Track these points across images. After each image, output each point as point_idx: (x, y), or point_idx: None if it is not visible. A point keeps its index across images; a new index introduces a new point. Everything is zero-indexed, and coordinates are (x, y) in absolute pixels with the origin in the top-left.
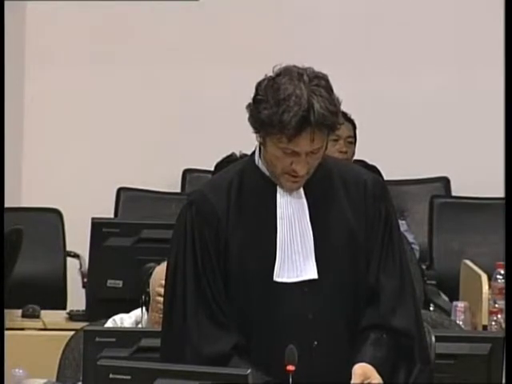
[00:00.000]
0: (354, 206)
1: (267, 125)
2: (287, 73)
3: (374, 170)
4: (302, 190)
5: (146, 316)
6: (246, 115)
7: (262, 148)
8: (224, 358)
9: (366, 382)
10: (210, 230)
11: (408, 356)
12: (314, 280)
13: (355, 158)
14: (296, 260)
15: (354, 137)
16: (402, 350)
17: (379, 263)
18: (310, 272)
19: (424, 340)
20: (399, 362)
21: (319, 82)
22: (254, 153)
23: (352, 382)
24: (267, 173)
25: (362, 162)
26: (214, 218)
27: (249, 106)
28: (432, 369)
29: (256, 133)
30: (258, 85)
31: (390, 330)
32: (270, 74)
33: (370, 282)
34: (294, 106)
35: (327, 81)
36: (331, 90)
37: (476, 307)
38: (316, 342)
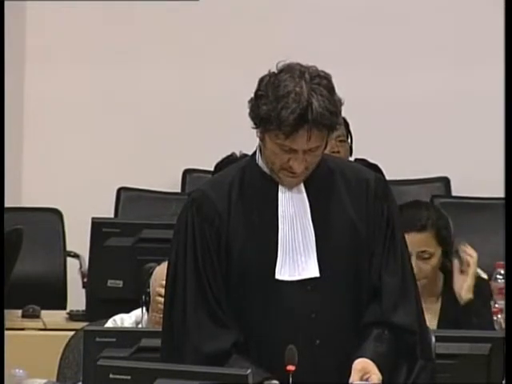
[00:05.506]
0: (356, 204)
1: (265, 120)
2: (289, 70)
3: (375, 168)
4: (303, 188)
5: (146, 316)
6: (247, 115)
7: (261, 146)
8: (224, 356)
9: (365, 376)
10: (210, 228)
11: (410, 352)
12: (316, 278)
13: (356, 157)
14: (298, 258)
15: (348, 135)
16: (404, 347)
17: (381, 261)
18: (312, 270)
19: (426, 337)
20: (401, 359)
21: (320, 81)
22: (255, 152)
23: (351, 377)
24: (268, 171)
25: (363, 161)
26: (215, 217)
27: (250, 101)
28: (434, 366)
29: (255, 128)
30: (261, 80)
31: (391, 326)
32: (273, 70)
33: (372, 280)
34: (293, 103)
35: (329, 80)
36: (333, 90)
37: None
38: (318, 341)
